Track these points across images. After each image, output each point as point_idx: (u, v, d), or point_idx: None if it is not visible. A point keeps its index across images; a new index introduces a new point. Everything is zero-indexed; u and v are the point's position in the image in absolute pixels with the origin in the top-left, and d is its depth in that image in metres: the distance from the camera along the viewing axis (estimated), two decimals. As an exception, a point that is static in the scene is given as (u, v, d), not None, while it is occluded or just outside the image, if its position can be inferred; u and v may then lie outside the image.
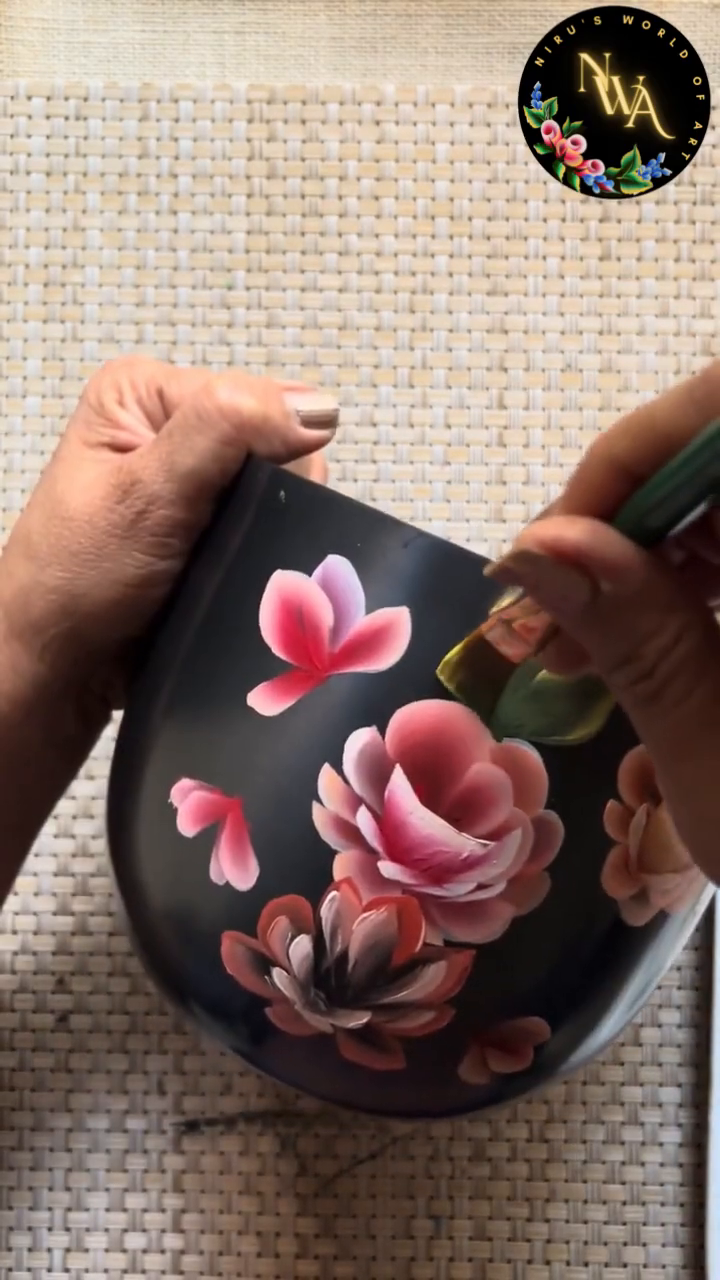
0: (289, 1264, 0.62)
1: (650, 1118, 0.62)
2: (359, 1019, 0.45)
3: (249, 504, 0.48)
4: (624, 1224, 0.62)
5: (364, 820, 0.44)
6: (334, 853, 0.44)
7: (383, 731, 0.44)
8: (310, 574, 0.45)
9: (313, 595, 0.45)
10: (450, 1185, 0.62)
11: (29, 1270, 0.62)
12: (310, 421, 0.49)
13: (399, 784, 0.44)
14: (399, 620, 0.44)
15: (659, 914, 0.47)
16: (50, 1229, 0.62)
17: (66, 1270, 0.62)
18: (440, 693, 0.44)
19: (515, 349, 0.65)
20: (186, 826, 0.46)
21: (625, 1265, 0.62)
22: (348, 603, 0.44)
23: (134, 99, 0.65)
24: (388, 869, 0.44)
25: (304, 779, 0.44)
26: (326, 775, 0.44)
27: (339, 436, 0.64)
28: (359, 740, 0.44)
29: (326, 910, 0.44)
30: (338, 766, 0.44)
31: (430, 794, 0.44)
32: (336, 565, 0.45)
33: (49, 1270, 0.62)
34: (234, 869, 0.45)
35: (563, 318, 0.65)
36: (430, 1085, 0.47)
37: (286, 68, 0.66)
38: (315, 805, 0.44)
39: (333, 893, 0.44)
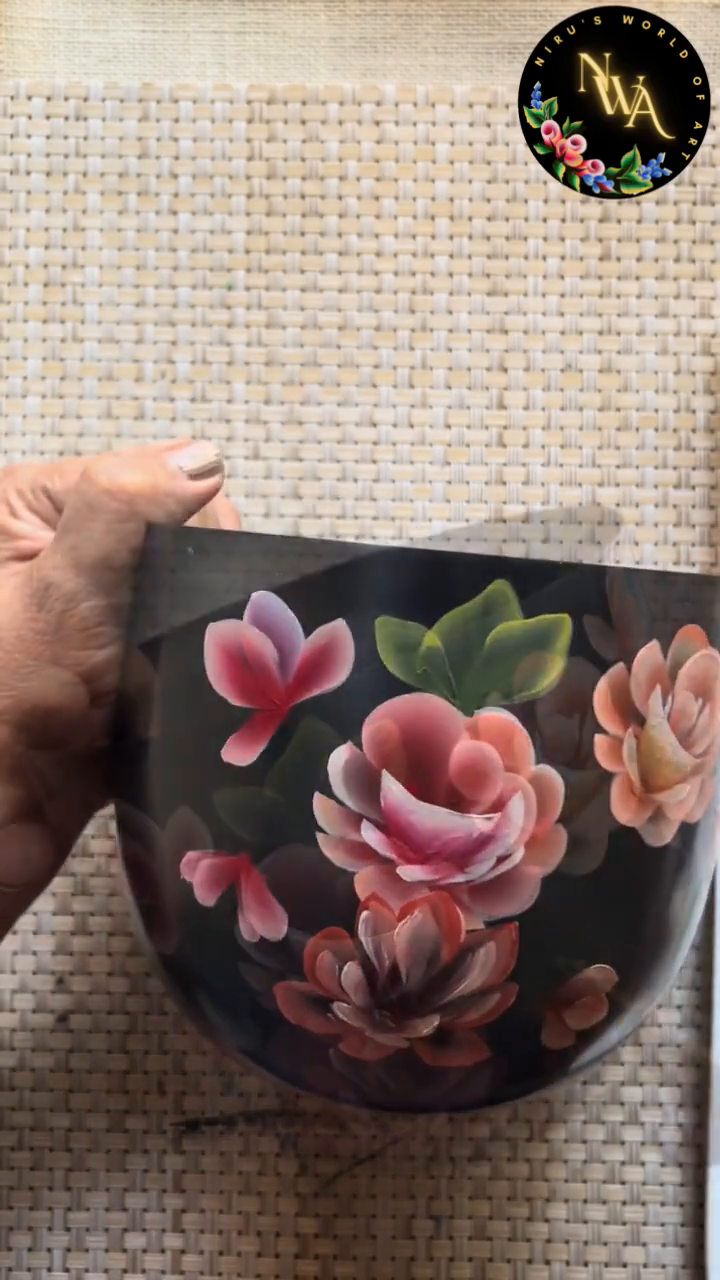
0: (289, 1264, 0.62)
1: (650, 1118, 0.62)
2: (430, 1024, 0.46)
3: (162, 570, 0.48)
4: (624, 1224, 0.62)
5: (370, 834, 0.44)
6: (352, 875, 0.44)
7: (359, 744, 0.44)
8: (241, 617, 0.45)
9: (250, 636, 0.45)
10: (450, 1185, 0.62)
11: (29, 1270, 0.62)
12: (197, 474, 0.50)
13: (391, 788, 0.44)
14: (339, 633, 0.44)
15: (681, 826, 0.47)
16: (50, 1229, 0.62)
17: (66, 1270, 0.62)
18: (401, 687, 0.44)
19: (515, 349, 0.65)
20: (205, 896, 0.47)
21: (625, 1265, 0.62)
22: (285, 633, 0.45)
23: (134, 99, 0.65)
24: (408, 873, 0.44)
25: (300, 814, 0.45)
26: (320, 803, 0.44)
27: (339, 436, 0.64)
28: (339, 759, 0.44)
29: (363, 932, 0.45)
30: (327, 791, 0.44)
31: (423, 787, 0.44)
32: (263, 600, 0.45)
33: (49, 1270, 0.62)
34: (263, 923, 0.46)
35: (563, 318, 0.65)
36: (519, 1064, 0.48)
37: (286, 68, 0.66)
38: (319, 835, 0.44)
39: (364, 913, 0.44)
